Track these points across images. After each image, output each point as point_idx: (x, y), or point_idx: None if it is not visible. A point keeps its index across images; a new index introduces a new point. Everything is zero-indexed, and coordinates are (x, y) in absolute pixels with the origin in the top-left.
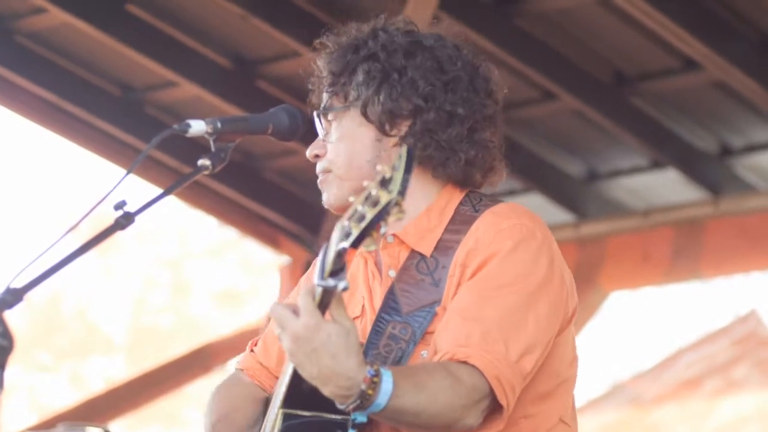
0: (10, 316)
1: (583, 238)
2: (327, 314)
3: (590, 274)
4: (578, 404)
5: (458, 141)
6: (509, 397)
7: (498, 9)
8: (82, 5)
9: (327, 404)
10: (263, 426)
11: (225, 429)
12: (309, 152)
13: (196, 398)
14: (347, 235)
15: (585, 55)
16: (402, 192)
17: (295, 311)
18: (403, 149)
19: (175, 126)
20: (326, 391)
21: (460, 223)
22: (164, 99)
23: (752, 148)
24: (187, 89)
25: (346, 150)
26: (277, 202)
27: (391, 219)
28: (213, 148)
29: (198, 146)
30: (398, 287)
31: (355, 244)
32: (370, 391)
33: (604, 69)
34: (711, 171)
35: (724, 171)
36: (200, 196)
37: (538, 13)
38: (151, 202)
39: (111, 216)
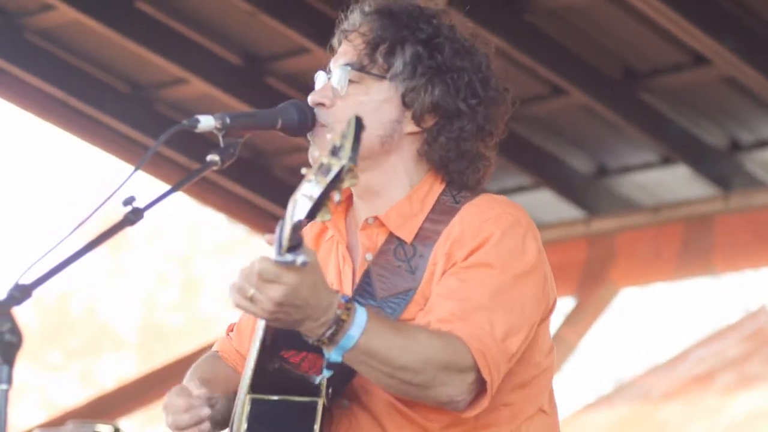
0: (19, 313)
1: (593, 235)
2: None
3: (600, 270)
4: (588, 400)
5: (478, 154)
6: (493, 372)
7: (508, 5)
8: (92, 2)
9: (294, 387)
10: (233, 414)
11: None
12: (314, 97)
13: None
14: (302, 207)
15: (594, 50)
16: (353, 158)
17: (263, 278)
18: (352, 118)
19: (184, 121)
20: (303, 328)
21: (440, 213)
22: (174, 96)
23: (762, 144)
24: (197, 86)
25: (365, 118)
26: (287, 200)
27: (344, 186)
28: (222, 144)
29: (207, 142)
30: (374, 271)
31: (310, 215)
32: (344, 317)
33: (613, 65)
34: (721, 166)
35: (734, 166)
36: (210, 193)
37: (547, 9)
38: (160, 197)
39: (120, 212)
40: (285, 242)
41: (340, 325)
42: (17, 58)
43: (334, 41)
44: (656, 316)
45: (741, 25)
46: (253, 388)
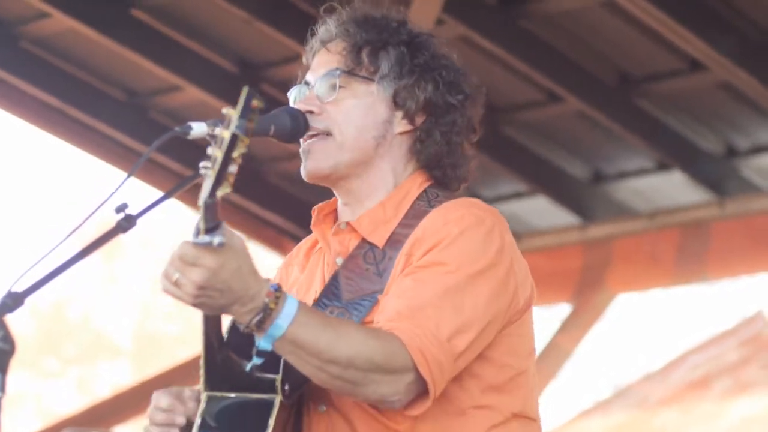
0: (14, 321)
1: (589, 241)
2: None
3: (596, 276)
4: (585, 406)
5: (465, 149)
6: (434, 371)
7: (502, 11)
8: (87, 10)
9: (249, 383)
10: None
11: None
12: (302, 105)
13: None
14: (207, 185)
15: (590, 56)
16: (241, 126)
17: (184, 261)
18: (244, 89)
19: (177, 128)
20: (231, 312)
21: (413, 217)
22: (169, 103)
23: (758, 149)
24: (192, 93)
25: (357, 119)
26: (282, 206)
27: (236, 155)
28: None
29: (201, 149)
30: (342, 274)
31: (213, 192)
32: (272, 305)
33: (609, 71)
34: (717, 172)
35: (730, 172)
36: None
37: (542, 15)
38: (153, 204)
39: (114, 219)
40: (201, 224)
41: (267, 312)
42: (13, 66)
43: (308, 55)
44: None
45: (737, 31)
46: (208, 384)
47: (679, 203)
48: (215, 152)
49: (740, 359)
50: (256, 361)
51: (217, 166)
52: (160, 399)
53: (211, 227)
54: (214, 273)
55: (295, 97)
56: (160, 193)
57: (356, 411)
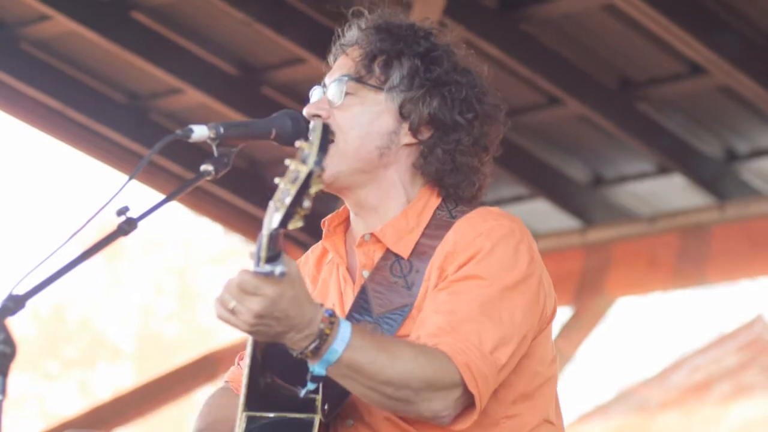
0: (16, 323)
1: (589, 244)
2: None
3: (596, 279)
4: (585, 410)
5: (473, 168)
6: (480, 386)
7: (504, 15)
8: (87, 12)
9: (289, 404)
10: None
11: None
12: (310, 109)
13: None
14: (276, 216)
15: (591, 60)
16: (318, 162)
17: (243, 290)
18: (318, 123)
19: (178, 131)
20: (286, 340)
21: (436, 228)
22: (169, 106)
23: (758, 153)
24: (192, 96)
25: (362, 128)
26: None
27: (312, 191)
28: (216, 154)
29: (202, 152)
30: (371, 287)
31: (283, 224)
32: (327, 330)
33: (609, 74)
34: (717, 176)
35: (730, 176)
36: (206, 203)
37: (543, 19)
38: (154, 207)
39: (115, 222)
40: (263, 253)
41: (323, 339)
42: (13, 68)
43: (330, 57)
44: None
45: (737, 35)
46: (248, 405)
47: (680, 207)
48: (286, 185)
49: (740, 363)
50: (310, 386)
51: (289, 200)
52: None
53: (273, 256)
54: (273, 302)
55: (312, 97)
56: (160, 196)
57: (385, 425)
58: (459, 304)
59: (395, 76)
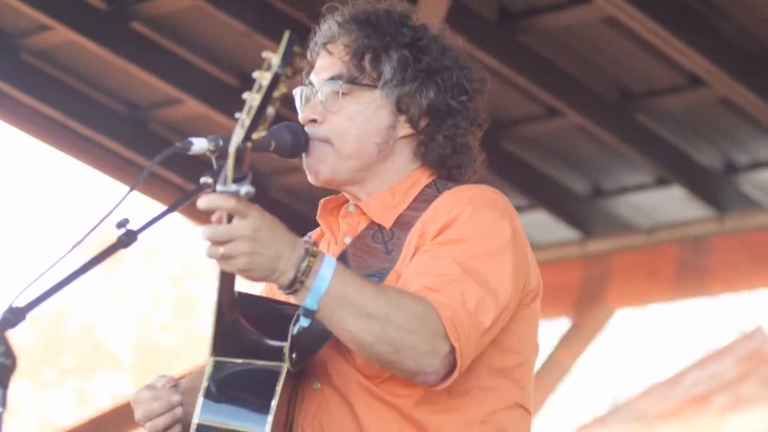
0: (14, 332)
1: (588, 256)
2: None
3: (596, 291)
4: (584, 421)
5: (469, 147)
6: (462, 341)
7: (502, 25)
8: (87, 23)
9: (257, 350)
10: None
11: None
12: (306, 114)
13: None
14: (239, 132)
15: (590, 71)
16: (283, 66)
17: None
18: (286, 33)
19: (178, 144)
20: (278, 267)
21: (422, 201)
22: (169, 116)
23: (757, 165)
24: (192, 106)
25: (358, 128)
26: (283, 220)
27: (276, 94)
28: (215, 166)
29: (203, 163)
30: (351, 252)
31: (248, 136)
32: (314, 250)
33: (609, 86)
34: (716, 188)
35: (730, 188)
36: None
37: (542, 30)
38: (154, 220)
39: (115, 234)
40: (229, 173)
41: (311, 260)
42: (13, 78)
43: (311, 52)
44: (652, 337)
45: (737, 47)
46: (216, 350)
47: (679, 218)
48: (251, 96)
49: (739, 374)
50: (303, 322)
51: (255, 107)
52: (142, 397)
53: (239, 177)
54: (261, 215)
55: (300, 98)
56: (160, 206)
57: (354, 387)
58: (443, 265)
59: (386, 71)
